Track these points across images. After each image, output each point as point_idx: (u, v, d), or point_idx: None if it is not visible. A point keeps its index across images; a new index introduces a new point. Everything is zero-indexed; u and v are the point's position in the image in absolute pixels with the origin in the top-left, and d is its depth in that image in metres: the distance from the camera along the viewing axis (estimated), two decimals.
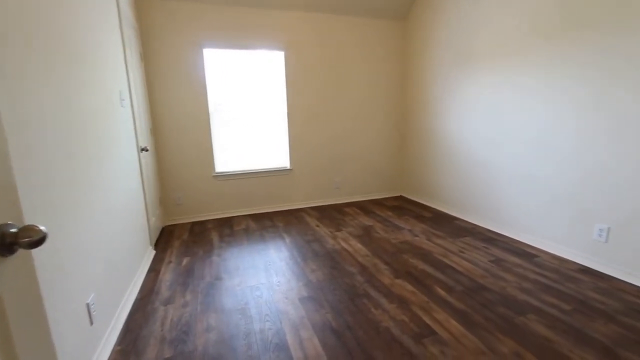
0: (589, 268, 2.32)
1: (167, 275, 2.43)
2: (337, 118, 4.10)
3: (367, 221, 3.53)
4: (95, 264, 1.61)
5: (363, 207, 4.10)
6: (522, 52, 2.70)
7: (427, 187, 4.09)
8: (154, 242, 2.96)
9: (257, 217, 3.77)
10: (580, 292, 2.03)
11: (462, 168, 3.49)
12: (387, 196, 4.60)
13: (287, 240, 3.06)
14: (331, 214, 3.82)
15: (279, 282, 2.28)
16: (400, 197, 4.53)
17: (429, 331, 1.71)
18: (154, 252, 2.85)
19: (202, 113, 3.53)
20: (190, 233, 3.32)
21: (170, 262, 2.67)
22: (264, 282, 2.29)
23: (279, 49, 3.69)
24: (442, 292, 2.07)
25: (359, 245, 2.87)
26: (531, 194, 2.74)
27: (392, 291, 2.11)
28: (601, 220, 2.25)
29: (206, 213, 3.76)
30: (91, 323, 1.50)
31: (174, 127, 3.46)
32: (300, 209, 4.08)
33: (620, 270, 2.17)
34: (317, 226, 3.41)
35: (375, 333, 1.71)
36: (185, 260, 2.68)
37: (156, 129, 3.41)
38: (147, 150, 2.80)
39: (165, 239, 3.17)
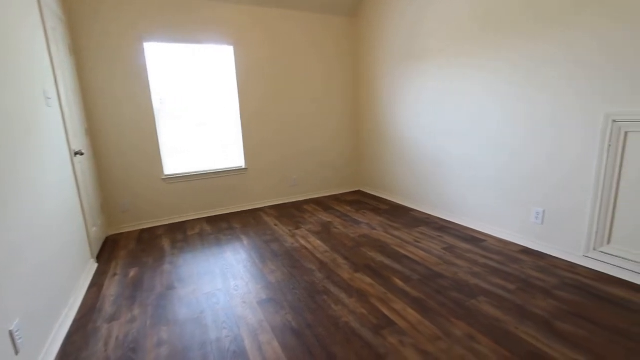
0: (529, 249, 2.51)
1: (111, 290, 2.23)
2: (291, 115, 4.04)
3: (326, 217, 3.53)
4: (19, 285, 1.41)
5: (322, 203, 4.10)
6: (462, 51, 2.84)
7: (384, 180, 4.19)
8: (95, 254, 2.71)
9: (213, 220, 3.61)
10: (522, 271, 2.18)
11: (415, 161, 3.61)
12: (345, 191, 4.64)
13: (245, 241, 2.96)
14: (290, 212, 3.76)
15: (236, 286, 2.19)
16: (359, 192, 4.60)
17: (388, 322, 1.73)
18: (96, 265, 2.61)
19: (146, 112, 3.29)
20: (139, 241, 3.09)
21: (115, 274, 2.45)
22: (220, 287, 2.19)
23: (228, 43, 3.54)
24: (399, 283, 2.12)
25: (318, 242, 2.85)
26: (477, 182, 2.90)
27: (351, 285, 2.12)
28: (537, 204, 2.45)
29: (156, 219, 3.52)
30: (16, 352, 1.31)
31: (115, 127, 3.19)
32: (259, 208, 3.98)
33: (555, 249, 2.37)
34: (276, 225, 3.35)
35: (335, 329, 1.70)
36: (132, 272, 2.48)
37: (93, 130, 3.11)
38: (82, 154, 2.54)
39: (110, 250, 2.92)
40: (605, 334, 1.56)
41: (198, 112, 3.58)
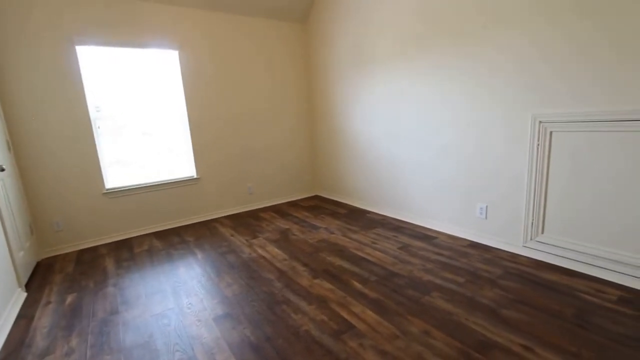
0: (476, 242, 2.68)
1: (43, 320, 1.99)
2: (243, 121, 3.95)
3: (283, 224, 3.48)
4: None
5: (279, 210, 4.04)
6: (407, 56, 2.98)
7: (340, 184, 4.24)
8: (24, 281, 2.41)
9: (163, 234, 3.39)
10: (470, 264, 2.32)
11: (369, 164, 3.70)
12: (303, 197, 4.63)
13: (199, 255, 2.81)
14: (247, 221, 3.66)
15: (189, 304, 2.07)
16: (316, 197, 4.61)
17: (347, 326, 1.73)
18: (25, 294, 2.31)
19: (80, 122, 3.00)
20: (77, 263, 2.80)
21: (48, 302, 2.19)
22: (172, 307, 2.05)
23: (172, 47, 3.37)
24: (357, 285, 2.14)
25: (276, 251, 2.80)
26: (427, 183, 3.05)
27: (311, 292, 2.10)
28: (480, 200, 2.62)
29: (97, 237, 3.22)
30: None
31: (42, 139, 2.87)
32: (213, 219, 3.82)
33: (498, 241, 2.55)
34: (232, 236, 3.23)
35: (295, 338, 1.66)
36: (69, 298, 2.24)
37: (17, 143, 2.78)
38: (2, 170, 2.25)
39: (42, 276, 2.61)
40: (543, 317, 1.70)
41: (142, 120, 3.35)
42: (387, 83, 3.26)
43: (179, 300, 2.11)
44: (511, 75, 2.28)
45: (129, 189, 3.30)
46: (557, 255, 2.21)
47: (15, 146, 2.77)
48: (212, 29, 3.59)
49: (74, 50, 2.91)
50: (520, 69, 2.23)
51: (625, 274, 1.92)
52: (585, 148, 1.99)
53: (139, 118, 3.33)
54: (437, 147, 2.90)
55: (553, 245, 2.22)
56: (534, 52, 2.14)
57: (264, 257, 2.67)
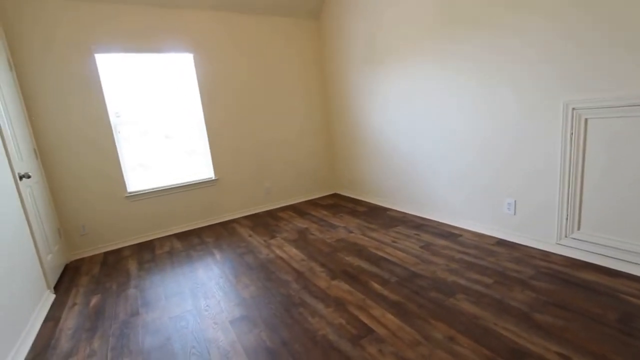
0: (504, 240, 2.52)
1: (69, 322, 2.04)
2: (259, 121, 3.94)
3: (302, 224, 3.43)
4: None
5: (298, 209, 4.00)
6: (425, 49, 2.84)
7: (359, 182, 4.15)
8: (53, 284, 2.49)
9: (183, 236, 3.43)
10: (498, 264, 2.17)
11: (389, 160, 3.59)
12: (321, 195, 4.57)
13: (218, 256, 2.82)
14: (265, 221, 3.64)
15: (207, 306, 2.06)
16: (335, 195, 4.54)
17: (367, 330, 1.66)
18: (53, 296, 2.39)
19: (102, 127, 3.08)
20: (103, 265, 2.88)
21: (74, 304, 2.26)
22: (190, 309, 2.05)
23: (187, 51, 3.40)
24: (377, 287, 2.06)
25: (294, 251, 2.75)
26: (450, 178, 2.90)
27: (328, 294, 2.03)
28: (508, 195, 2.46)
29: (121, 240, 3.31)
30: None
31: (67, 146, 2.97)
32: (232, 220, 3.83)
33: (528, 238, 2.39)
34: (250, 236, 3.22)
35: (312, 344, 1.60)
36: (94, 300, 2.29)
37: (43, 149, 2.88)
38: (29, 177, 2.33)
39: (70, 278, 2.70)
40: (582, 321, 1.55)
41: (161, 124, 3.41)
42: (404, 77, 3.13)
43: (197, 302, 2.11)
44: (537, 61, 2.11)
45: (150, 192, 3.36)
46: (596, 253, 2.03)
47: (41, 153, 2.87)
48: (225, 30, 3.59)
49: (94, 58, 2.99)
50: (546, 54, 2.05)
51: None
52: (626, 135, 1.80)
53: (158, 122, 3.38)
54: (459, 140, 2.75)
55: (591, 243, 2.04)
56: (561, 36, 1.96)
57: (281, 258, 2.64)
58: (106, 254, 3.16)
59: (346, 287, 2.10)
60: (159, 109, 3.38)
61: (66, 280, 2.67)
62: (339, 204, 4.04)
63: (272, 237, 3.14)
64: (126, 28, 3.08)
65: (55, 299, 2.36)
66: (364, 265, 2.37)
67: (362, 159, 3.99)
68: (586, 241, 2.06)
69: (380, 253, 2.53)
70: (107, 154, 3.13)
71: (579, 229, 2.10)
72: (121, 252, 3.16)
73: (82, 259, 3.08)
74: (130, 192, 3.29)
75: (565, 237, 2.16)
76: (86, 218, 3.11)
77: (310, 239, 2.99)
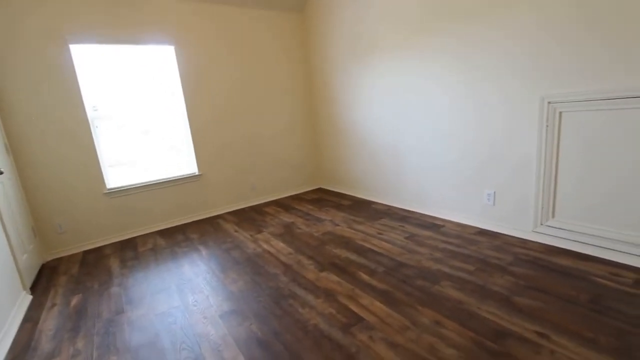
0: (484, 229, 2.62)
1: (49, 323, 1.97)
2: (243, 116, 3.89)
3: (288, 218, 3.44)
4: None
5: (283, 204, 4.00)
6: (408, 43, 2.89)
7: (344, 176, 4.19)
8: (29, 284, 2.39)
9: (167, 233, 3.36)
10: (480, 252, 2.26)
11: (372, 154, 3.64)
12: (306, 190, 4.58)
13: (204, 252, 2.78)
14: (251, 216, 3.62)
15: (195, 301, 2.04)
16: (320, 189, 4.56)
17: (356, 319, 1.70)
18: (30, 297, 2.30)
19: (78, 121, 2.96)
20: (82, 264, 2.79)
21: (53, 305, 2.18)
22: (177, 305, 2.02)
23: (168, 43, 3.31)
24: (365, 277, 2.10)
25: (281, 245, 2.76)
26: (432, 171, 2.98)
27: (317, 286, 2.06)
28: (488, 186, 2.56)
29: (101, 238, 3.20)
30: None
31: (41, 140, 2.83)
32: (217, 215, 3.79)
33: (507, 227, 2.49)
34: (236, 231, 3.20)
35: (304, 333, 1.62)
36: (75, 299, 2.22)
37: (15, 145, 2.74)
38: (1, 173, 2.22)
39: (48, 278, 2.60)
40: (557, 302, 1.64)
41: (142, 118, 3.31)
42: (388, 71, 3.18)
43: (184, 298, 2.08)
44: (516, 57, 2.20)
45: (130, 188, 3.27)
46: (570, 240, 2.15)
47: (13, 148, 2.73)
48: (208, 21, 3.51)
49: (68, 49, 2.86)
50: (525, 50, 2.14)
51: None
52: (597, 128, 1.92)
53: (138, 116, 3.28)
54: (441, 134, 2.83)
55: (565, 230, 2.16)
56: (540, 31, 2.05)
57: (269, 252, 2.64)
58: (85, 252, 3.05)
59: (335, 278, 2.13)
60: (139, 103, 3.27)
61: (43, 280, 2.56)
62: (323, 198, 4.07)
63: (259, 231, 3.13)
64: (103, 18, 2.96)
65: (33, 300, 2.27)
66: (352, 256, 2.41)
67: (347, 154, 4.03)
68: (560, 228, 2.18)
69: (366, 245, 2.58)
70: (84, 149, 3.02)
71: (553, 217, 2.21)
72: (101, 250, 3.06)
73: (60, 259, 2.96)
74: (110, 189, 3.18)
75: (541, 225, 2.28)
76: (63, 216, 2.99)
77: (297, 232, 3.00)
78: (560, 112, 2.05)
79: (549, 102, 2.08)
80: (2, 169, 2.28)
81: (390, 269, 2.17)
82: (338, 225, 3.08)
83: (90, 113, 3.03)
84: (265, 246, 2.77)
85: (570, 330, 1.46)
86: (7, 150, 2.64)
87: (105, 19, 2.98)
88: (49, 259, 2.97)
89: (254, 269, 2.38)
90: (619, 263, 1.93)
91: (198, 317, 1.86)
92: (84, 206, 3.07)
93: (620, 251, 1.93)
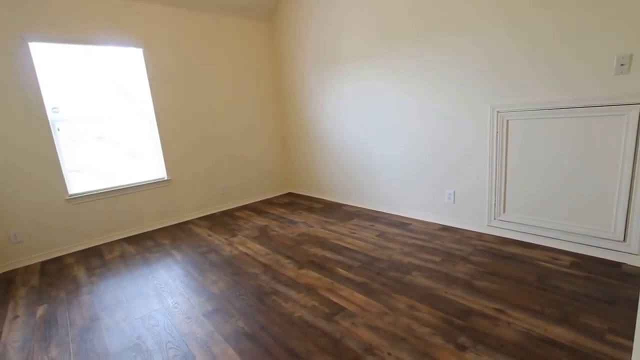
0: (447, 225, 2.89)
1: (14, 335, 1.86)
2: (213, 122, 3.89)
3: (261, 221, 3.49)
4: None
5: (255, 208, 4.04)
6: (373, 54, 3.13)
7: (314, 180, 4.32)
8: None
9: (135, 239, 3.25)
10: (444, 245, 2.50)
11: (342, 159, 3.82)
12: (276, 195, 4.65)
13: (178, 256, 2.75)
14: (223, 221, 3.62)
15: (176, 303, 2.03)
16: (290, 194, 4.65)
17: (338, 308, 1.82)
18: None
19: (38, 124, 2.80)
20: (43, 275, 2.62)
21: (16, 316, 2.04)
22: (157, 308, 2.00)
23: (136, 45, 3.25)
24: (342, 272, 2.23)
25: (257, 246, 2.81)
26: (399, 174, 3.22)
27: (298, 282, 2.15)
28: (448, 186, 2.83)
29: (62, 247, 3.02)
30: None
31: None
32: (188, 221, 3.72)
33: (466, 223, 2.77)
34: (210, 235, 3.18)
35: (290, 325, 1.71)
36: (40, 310, 2.10)
37: None
38: None
39: (4, 291, 2.41)
40: (510, 284, 1.90)
41: (107, 121, 3.19)
42: (355, 79, 3.39)
43: (163, 301, 2.07)
44: (468, 75, 2.50)
45: (95, 194, 3.13)
46: (518, 231, 2.46)
47: None
48: (177, 27, 3.50)
49: (27, 47, 2.72)
50: (477, 69, 2.45)
51: (575, 242, 2.19)
52: (535, 133, 2.24)
53: (104, 119, 3.17)
54: (406, 139, 3.08)
55: (513, 222, 2.47)
56: (482, 56, 2.36)
57: (246, 254, 2.68)
58: (44, 263, 2.86)
59: (314, 274, 2.24)
60: (105, 106, 3.17)
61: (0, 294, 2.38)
62: (295, 202, 4.17)
63: (233, 235, 3.15)
64: (66, 17, 2.86)
65: None
66: (328, 254, 2.53)
67: (317, 158, 4.17)
68: (510, 221, 2.49)
69: (341, 243, 2.72)
70: (43, 153, 2.85)
71: (504, 212, 2.52)
72: (63, 260, 2.89)
73: (15, 270, 2.75)
74: (71, 195, 3.02)
75: (494, 219, 2.58)
76: (18, 225, 2.79)
77: (272, 234, 3.07)
78: (507, 120, 2.37)
79: (498, 112, 2.39)
80: None
81: (365, 263, 2.33)
82: (312, 226, 3.20)
83: (50, 115, 2.88)
84: (241, 248, 2.80)
85: (522, 305, 1.70)
86: None
87: (70, 19, 2.87)
88: (3, 271, 2.75)
89: (233, 270, 2.42)
90: (558, 249, 2.26)
91: (181, 318, 1.87)
92: (42, 214, 2.89)
93: (557, 239, 2.26)
